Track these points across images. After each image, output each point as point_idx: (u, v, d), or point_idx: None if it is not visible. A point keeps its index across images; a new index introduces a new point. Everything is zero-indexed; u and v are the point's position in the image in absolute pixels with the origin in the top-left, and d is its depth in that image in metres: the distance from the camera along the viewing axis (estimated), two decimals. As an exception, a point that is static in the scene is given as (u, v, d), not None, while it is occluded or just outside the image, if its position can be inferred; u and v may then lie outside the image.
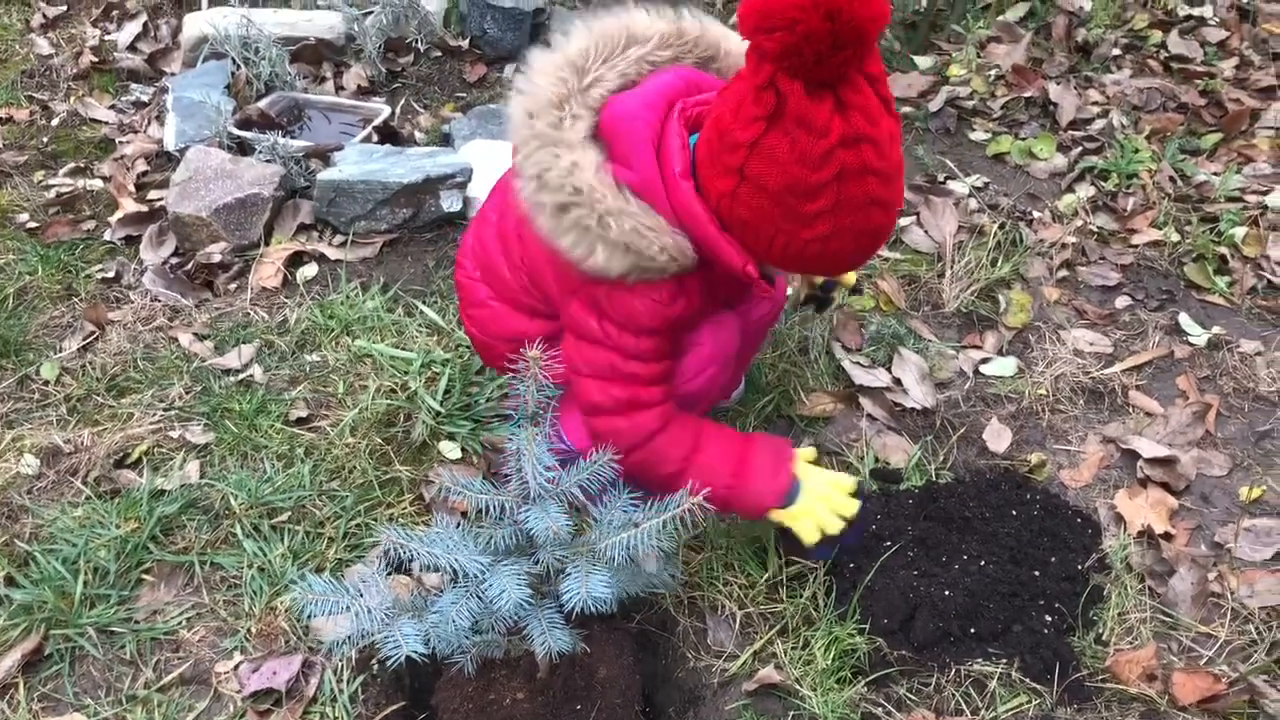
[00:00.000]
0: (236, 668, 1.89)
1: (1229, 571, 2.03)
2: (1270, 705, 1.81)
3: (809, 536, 1.83)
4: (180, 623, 1.96)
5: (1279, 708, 1.80)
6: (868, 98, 1.47)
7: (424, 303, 2.67)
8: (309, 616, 1.63)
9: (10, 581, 2.01)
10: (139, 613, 1.97)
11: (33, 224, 3.01)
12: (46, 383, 2.47)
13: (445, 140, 3.22)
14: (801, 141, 1.49)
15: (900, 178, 1.58)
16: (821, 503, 1.84)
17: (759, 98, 1.49)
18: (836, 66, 1.42)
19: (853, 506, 1.83)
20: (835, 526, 1.82)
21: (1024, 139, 3.24)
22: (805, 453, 1.90)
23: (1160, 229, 2.86)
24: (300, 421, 2.36)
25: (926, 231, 2.85)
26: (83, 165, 3.27)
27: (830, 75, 1.44)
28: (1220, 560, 2.06)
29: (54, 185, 3.17)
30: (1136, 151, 3.08)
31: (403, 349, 2.52)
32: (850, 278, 2.25)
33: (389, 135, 3.27)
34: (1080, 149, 3.18)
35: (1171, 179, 3.00)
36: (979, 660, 1.90)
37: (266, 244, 2.88)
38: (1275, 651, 1.88)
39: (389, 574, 2.00)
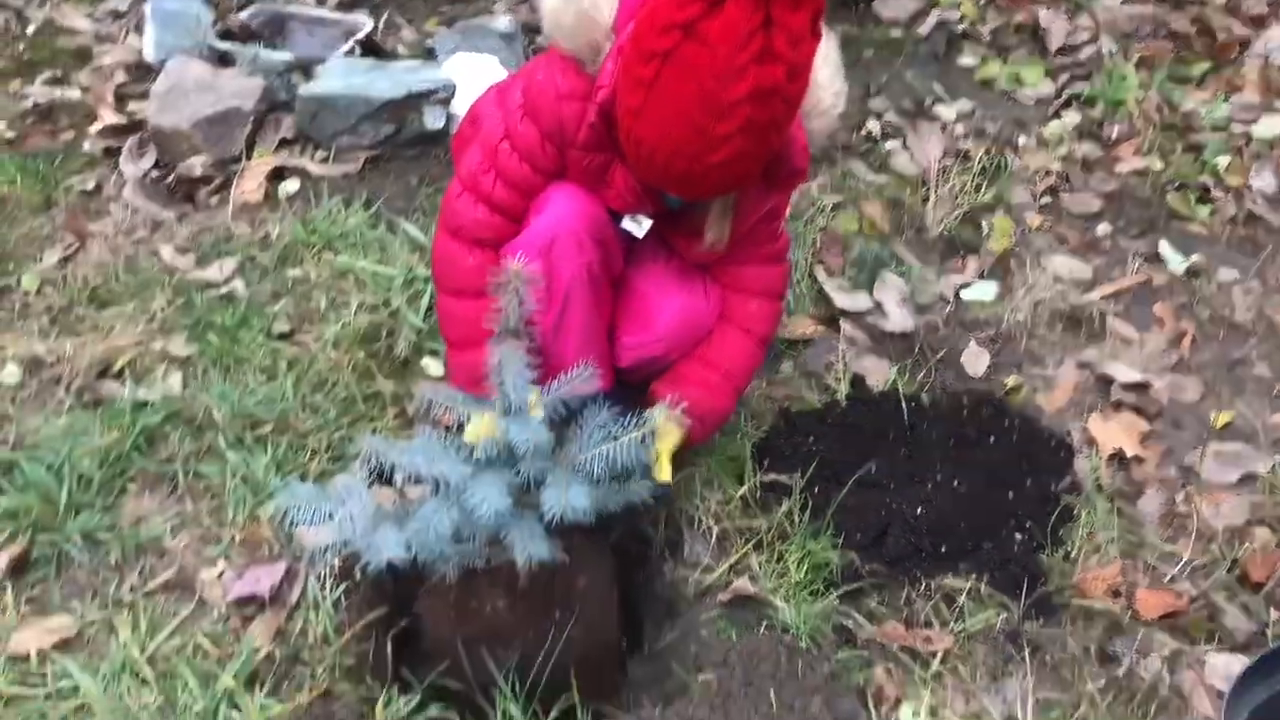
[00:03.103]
0: (220, 575, 1.92)
1: (1196, 493, 2.08)
2: (1229, 620, 1.86)
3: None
4: (164, 530, 1.99)
5: (1236, 622, 1.86)
6: (746, 22, 1.43)
7: (407, 220, 2.66)
8: (292, 524, 1.65)
9: (-5, 488, 2.02)
10: (123, 520, 1.99)
11: (10, 134, 2.96)
12: (27, 293, 2.46)
13: (429, 55, 3.17)
14: (721, 53, 1.45)
15: (730, 122, 1.53)
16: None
17: (683, 2, 1.45)
18: None
19: None
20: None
21: (1012, 64, 3.23)
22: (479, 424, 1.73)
23: (1145, 157, 2.87)
24: (282, 336, 2.37)
25: (912, 155, 2.85)
26: (59, 75, 3.21)
27: None
28: (1188, 482, 2.11)
29: (30, 95, 3.12)
30: (1125, 79, 3.07)
31: (385, 265, 2.51)
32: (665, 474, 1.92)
33: (372, 49, 3.22)
34: (1068, 75, 3.17)
35: (1159, 107, 3.00)
36: (949, 575, 1.94)
37: (248, 158, 2.85)
38: (1236, 569, 1.94)
39: (371, 485, 2.02)
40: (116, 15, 3.49)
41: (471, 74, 2.94)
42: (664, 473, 1.87)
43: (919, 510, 1.99)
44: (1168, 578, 1.95)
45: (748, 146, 1.58)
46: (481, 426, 1.67)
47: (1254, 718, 1.47)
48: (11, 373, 2.25)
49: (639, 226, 1.91)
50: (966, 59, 3.28)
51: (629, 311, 2.00)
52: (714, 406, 1.98)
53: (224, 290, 2.48)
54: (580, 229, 1.84)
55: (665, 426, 1.83)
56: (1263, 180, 2.76)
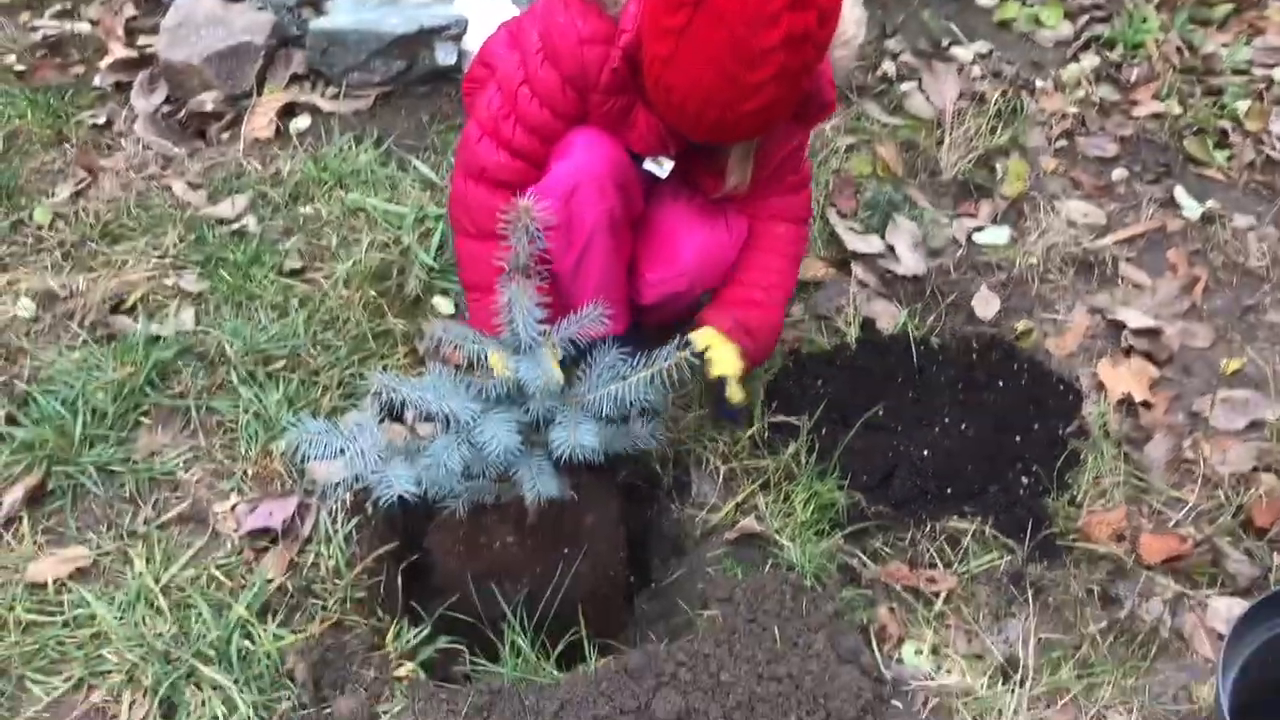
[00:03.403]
0: (234, 508, 1.94)
1: (1203, 439, 2.08)
2: (1231, 565, 1.88)
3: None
4: (178, 464, 2.01)
5: (1239, 567, 1.87)
6: None
7: (418, 157, 2.65)
8: (304, 459, 1.67)
9: (11, 420, 2.04)
10: (137, 453, 2.02)
11: (20, 66, 2.95)
12: (40, 228, 2.46)
13: (441, -9, 3.14)
14: (752, 0, 1.45)
15: (761, 71, 1.54)
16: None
17: None
18: None
19: None
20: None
21: (1031, 5, 3.18)
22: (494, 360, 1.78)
23: (1163, 101, 2.83)
24: (294, 272, 2.37)
25: (927, 97, 2.82)
26: (69, 8, 3.19)
27: None
28: (1196, 429, 2.11)
29: (40, 27, 3.10)
30: (1145, 21, 3.03)
31: (396, 203, 2.51)
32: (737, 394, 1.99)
33: (383, -16, 3.18)
34: (1088, 18, 3.12)
35: (1178, 50, 2.96)
36: (954, 517, 1.96)
37: (259, 94, 2.84)
38: (1241, 515, 1.94)
39: (382, 421, 2.04)
40: (126, -53, 3.45)
41: (484, 10, 2.90)
42: (736, 394, 1.93)
43: (926, 453, 2.00)
44: (1172, 522, 1.96)
45: (780, 93, 1.57)
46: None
47: (1253, 659, 1.49)
48: (25, 307, 2.26)
49: (661, 168, 1.91)
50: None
51: (651, 248, 2.00)
52: (765, 320, 1.99)
53: (236, 227, 2.48)
54: (603, 174, 1.83)
55: (719, 354, 1.91)
56: (1282, 125, 2.73)
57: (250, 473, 1.99)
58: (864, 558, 1.91)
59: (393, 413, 2.05)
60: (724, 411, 1.99)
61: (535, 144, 1.86)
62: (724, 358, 1.93)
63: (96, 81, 2.90)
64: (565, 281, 1.92)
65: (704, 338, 1.94)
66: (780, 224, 2.01)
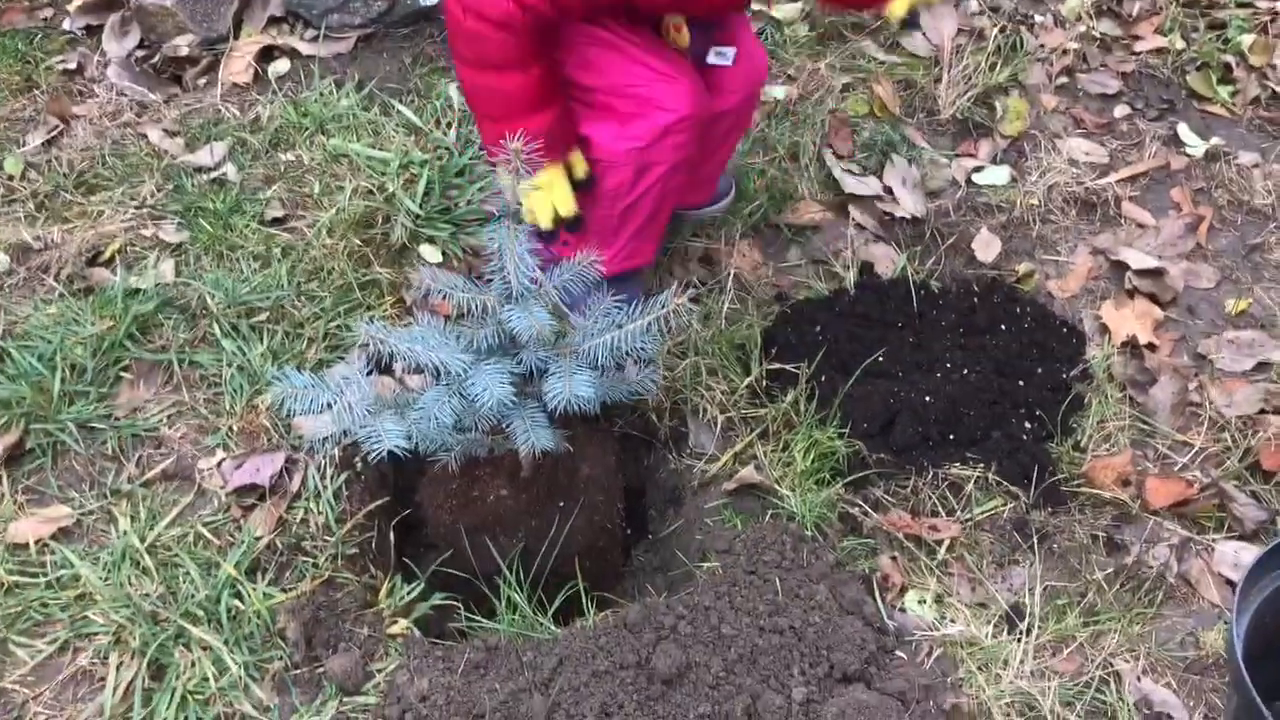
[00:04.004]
0: (219, 464, 1.89)
1: (1209, 382, 2.04)
2: (1238, 509, 1.85)
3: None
4: (161, 420, 1.96)
5: (1246, 511, 1.84)
6: None
7: (401, 101, 2.57)
8: (290, 413, 1.62)
9: (-14, 377, 1.99)
10: (119, 410, 1.96)
11: (-14, 11, 2.85)
12: (11, 178, 2.38)
13: (422, -72, 3.04)
14: None
15: None
16: (539, 197, 1.83)
17: None
18: None
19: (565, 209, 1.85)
20: (546, 220, 1.85)
21: (1030, -62, 3.09)
22: (580, 160, 1.86)
23: (1165, 35, 2.76)
24: (276, 221, 2.31)
25: (924, 34, 2.74)
26: (36, -51, 3.08)
27: None
28: (1201, 371, 2.07)
29: (7, -30, 3.00)
30: (1147, -48, 2.95)
31: (379, 149, 2.43)
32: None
33: (362, -78, 3.08)
34: (1089, -51, 3.03)
35: (1181, -18, 2.88)
36: (957, 464, 1.92)
37: (235, 37, 2.75)
38: (1248, 458, 1.91)
39: (370, 374, 1.99)
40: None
41: (466, -53, 2.80)
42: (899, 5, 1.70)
43: (927, 399, 1.96)
44: (1178, 466, 1.93)
45: None
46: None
47: (1265, 606, 1.46)
48: (0, 260, 2.20)
49: (725, 58, 1.93)
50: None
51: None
52: None
53: (215, 175, 2.41)
54: (689, 116, 1.84)
55: None
56: (1288, 60, 2.67)
57: (235, 428, 1.94)
58: (865, 506, 1.87)
59: (380, 365, 2.00)
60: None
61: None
62: None
63: (66, 25, 2.80)
64: (608, 222, 1.93)
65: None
66: None
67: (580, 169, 1.87)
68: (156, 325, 2.09)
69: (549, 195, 1.85)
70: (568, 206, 1.86)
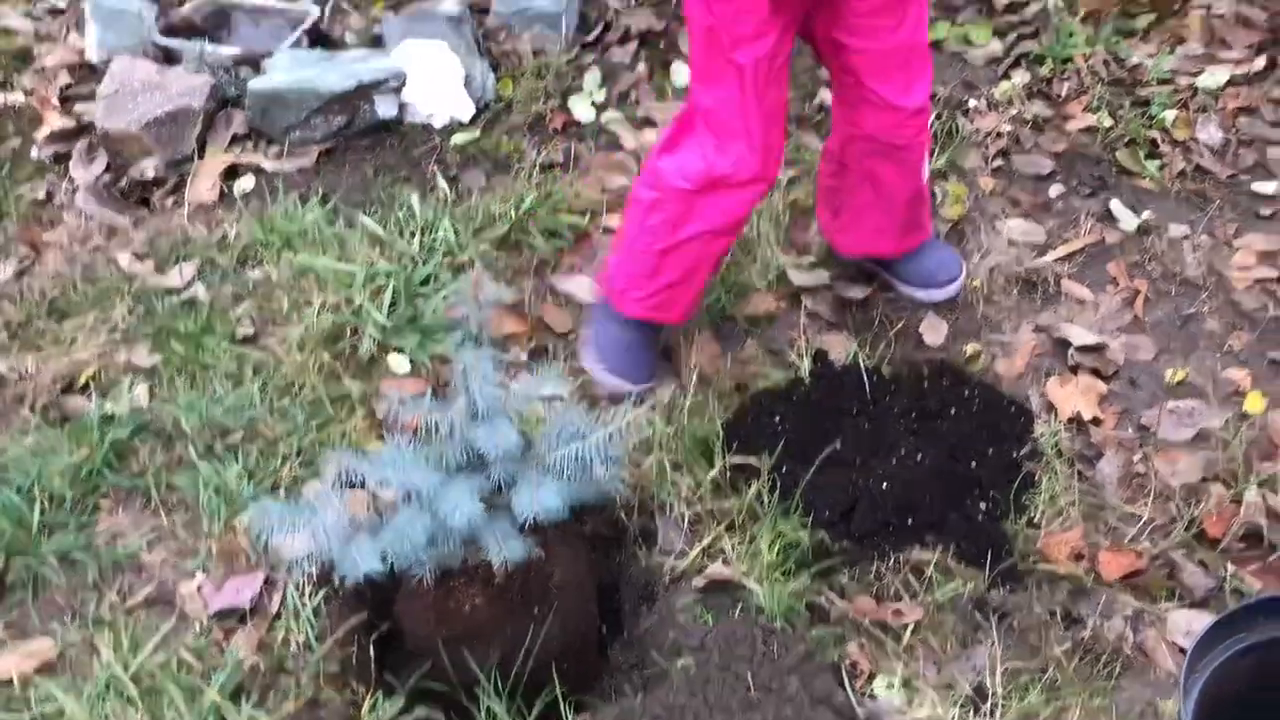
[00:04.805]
0: (200, 587, 1.93)
1: (1153, 453, 2.13)
2: (1187, 578, 1.92)
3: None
4: (140, 545, 2.00)
5: (1195, 579, 1.92)
6: None
7: (364, 213, 2.65)
8: (266, 542, 1.68)
9: (-35, 512, 2.02)
10: (98, 538, 2.00)
11: (-46, 143, 2.93)
12: (-16, 309, 2.44)
13: (376, 42, 3.15)
14: None
15: None
16: None
17: None
18: None
19: None
20: None
21: (960, 24, 3.23)
22: None
23: (1094, 114, 2.89)
24: (247, 340, 2.37)
25: (865, 124, 2.86)
26: (1, 79, 3.16)
27: None
28: (1145, 442, 2.16)
29: (-27, 101, 3.07)
30: (1071, 35, 3.09)
31: (345, 262, 2.51)
32: None
33: (319, 38, 3.19)
34: (1016, 34, 3.18)
35: (1105, 63, 3.02)
36: (917, 548, 1.99)
37: (200, 157, 2.83)
38: (1194, 527, 1.99)
39: (343, 489, 2.04)
40: (56, 12, 3.43)
41: (421, 62, 2.92)
42: None
43: (885, 485, 2.03)
44: (1128, 538, 2.01)
45: None
46: None
47: (1211, 680, 1.52)
48: (-26, 393, 2.24)
49: None
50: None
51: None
52: None
53: (185, 296, 2.48)
54: (738, 198, 2.01)
55: None
56: (1208, 133, 2.79)
57: (214, 549, 1.99)
58: (831, 595, 1.93)
59: (353, 481, 2.05)
60: None
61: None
62: None
63: (34, 154, 2.88)
64: (647, 249, 2.08)
65: None
66: None
67: None
68: (133, 451, 2.14)
69: None
70: None
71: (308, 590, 1.89)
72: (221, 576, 1.94)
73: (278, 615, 1.88)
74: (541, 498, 1.65)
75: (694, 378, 2.26)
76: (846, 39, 1.99)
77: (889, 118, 2.08)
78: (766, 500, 2.03)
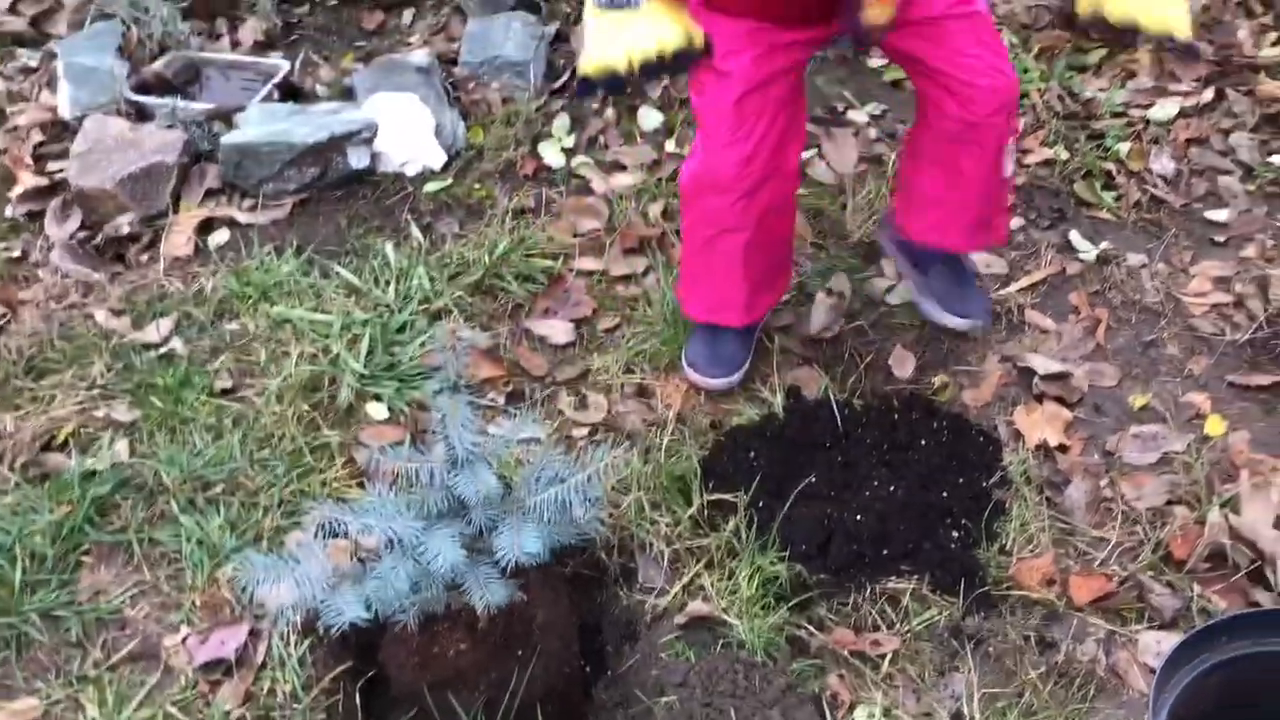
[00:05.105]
0: (184, 640, 1.94)
1: (1119, 477, 2.18)
2: (1156, 599, 1.97)
3: (607, 62, 1.84)
4: (124, 601, 2.01)
5: (1163, 601, 1.96)
6: None
7: (339, 263, 2.68)
8: (251, 594, 1.69)
9: (-52, 574, 2.03)
10: (81, 594, 2.01)
11: (-72, 204, 2.94)
12: (-38, 370, 2.45)
13: (347, 94, 3.19)
14: None
15: None
16: (638, 28, 1.80)
17: None
18: None
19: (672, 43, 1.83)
20: (642, 53, 1.82)
21: (920, 63, 3.31)
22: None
23: (1051, 148, 2.97)
24: (225, 392, 2.39)
25: (829, 164, 2.93)
26: (-27, 139, 3.19)
27: None
28: (1111, 467, 2.21)
29: (-54, 161, 3.09)
30: (1026, 70, 3.17)
31: (321, 312, 2.54)
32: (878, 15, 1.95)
33: (290, 92, 3.23)
34: (974, 71, 3.25)
35: (1060, 97, 3.11)
36: (892, 578, 2.03)
37: (175, 212, 2.86)
38: (1160, 549, 2.04)
39: (326, 539, 2.06)
40: (27, 71, 3.45)
41: (393, 113, 2.96)
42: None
43: (859, 517, 2.07)
44: (1097, 562, 2.05)
45: None
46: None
47: (1180, 700, 1.56)
48: (-46, 454, 2.25)
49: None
50: (874, 61, 3.36)
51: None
52: None
53: (163, 350, 2.49)
54: (721, 201, 2.10)
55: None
56: (1161, 164, 2.87)
57: (198, 602, 2.00)
58: (810, 628, 1.96)
59: (335, 530, 2.07)
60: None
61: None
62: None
63: (8, 212, 2.90)
64: (689, 250, 2.24)
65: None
66: None
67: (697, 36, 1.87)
68: (114, 506, 2.15)
69: (650, 25, 1.78)
70: (672, 38, 1.80)
71: (293, 640, 1.91)
72: (206, 629, 1.95)
73: (263, 666, 1.89)
74: (523, 541, 1.68)
75: (671, 416, 2.30)
76: (898, 43, 2.05)
77: (960, 96, 2.05)
78: (744, 535, 2.07)
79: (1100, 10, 1.94)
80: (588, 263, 2.70)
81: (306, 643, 1.92)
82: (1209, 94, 3.08)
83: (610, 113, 3.17)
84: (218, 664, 1.90)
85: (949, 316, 2.41)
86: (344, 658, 1.93)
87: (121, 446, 2.26)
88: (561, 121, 3.12)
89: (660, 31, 1.80)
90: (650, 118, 3.13)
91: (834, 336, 2.50)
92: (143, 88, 3.14)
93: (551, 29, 3.36)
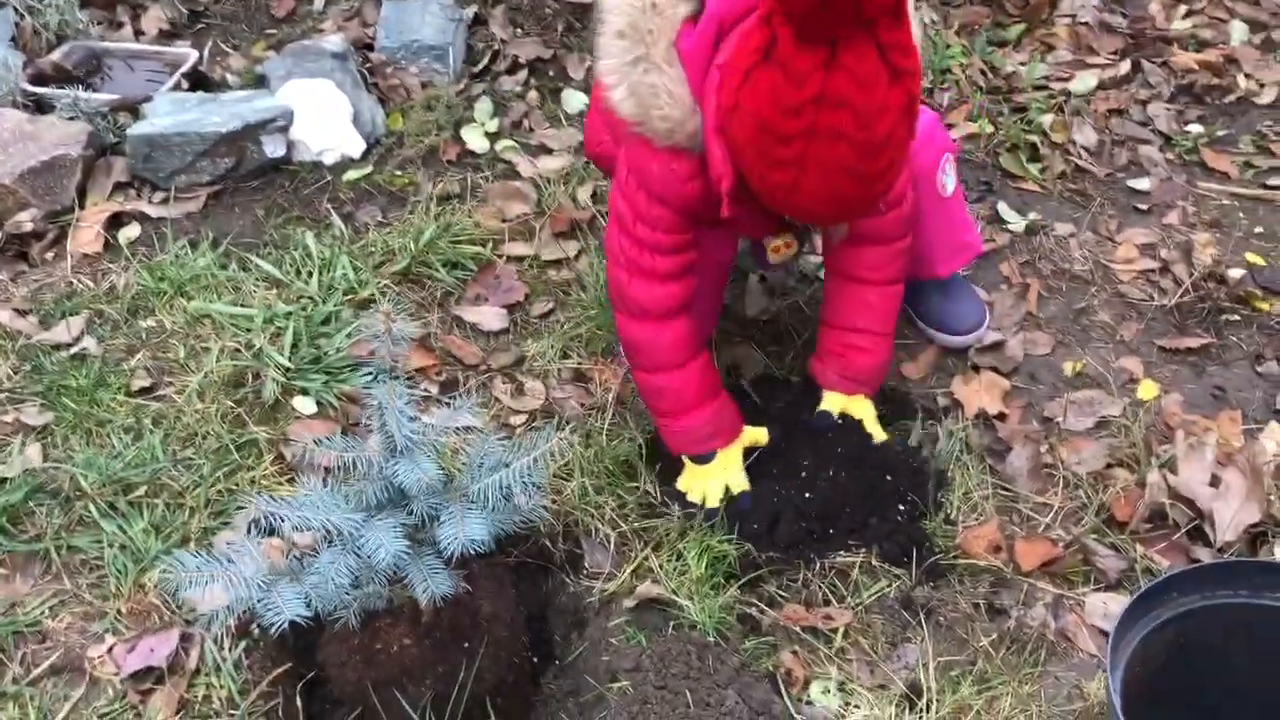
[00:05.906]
0: (110, 650, 1.85)
1: (1059, 443, 2.19)
2: (1100, 561, 1.98)
3: (692, 494, 2.06)
4: (43, 612, 1.91)
5: (1108, 563, 1.98)
6: (869, 64, 1.48)
7: (258, 255, 2.59)
8: (181, 598, 1.61)
9: None
10: (-4, 608, 1.91)
11: None
12: None
13: (260, 82, 3.08)
14: (779, 86, 1.52)
15: (885, 153, 1.59)
16: (714, 479, 2.04)
17: (758, 30, 1.54)
18: (825, 25, 1.45)
19: (737, 487, 2.05)
20: (714, 499, 2.03)
21: (842, 41, 3.31)
22: (754, 433, 2.10)
23: (975, 122, 2.98)
24: (144, 391, 2.29)
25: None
26: None
27: (819, 32, 1.46)
28: (1050, 433, 2.22)
29: None
30: (948, 47, 3.19)
31: (242, 306, 2.45)
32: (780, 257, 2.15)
33: (199, 81, 3.11)
34: (895, 48, 3.26)
35: (982, 72, 3.13)
36: (841, 553, 2.01)
37: (81, 207, 2.74)
38: (1103, 512, 2.05)
39: (260, 537, 1.98)
40: (-85, 66, 3.28)
41: (307, 100, 2.87)
42: (880, 433, 2.13)
43: (806, 495, 2.05)
44: (1042, 527, 2.06)
45: (898, 158, 1.65)
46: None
47: (1135, 655, 1.57)
48: None
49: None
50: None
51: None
52: (870, 365, 2.15)
53: (74, 350, 2.38)
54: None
55: (855, 412, 2.13)
56: (1084, 135, 2.91)
57: (124, 610, 1.91)
58: (761, 605, 1.94)
59: (267, 528, 1.99)
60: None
61: (678, 262, 1.95)
62: (859, 411, 2.14)
63: (-99, 213, 2.74)
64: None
65: (834, 405, 2.14)
66: (867, 248, 2.08)
67: (760, 437, 2.10)
68: (28, 514, 2.04)
69: (722, 477, 2.04)
70: (739, 484, 2.05)
71: (227, 644, 1.83)
72: (134, 637, 1.86)
73: (197, 671, 1.81)
74: (468, 529, 1.62)
75: (610, 400, 2.26)
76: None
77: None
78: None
79: None
80: (518, 248, 2.64)
81: (242, 645, 1.84)
82: (1125, 66, 3.13)
83: (533, 95, 3.11)
84: (148, 673, 1.81)
85: (956, 338, 2.39)
86: (282, 659, 1.85)
87: (33, 451, 2.15)
88: (484, 106, 3.06)
89: (731, 479, 2.06)
90: (574, 99, 3.08)
91: (772, 318, 2.47)
92: (40, 79, 3.00)
93: (470, 12, 3.30)
